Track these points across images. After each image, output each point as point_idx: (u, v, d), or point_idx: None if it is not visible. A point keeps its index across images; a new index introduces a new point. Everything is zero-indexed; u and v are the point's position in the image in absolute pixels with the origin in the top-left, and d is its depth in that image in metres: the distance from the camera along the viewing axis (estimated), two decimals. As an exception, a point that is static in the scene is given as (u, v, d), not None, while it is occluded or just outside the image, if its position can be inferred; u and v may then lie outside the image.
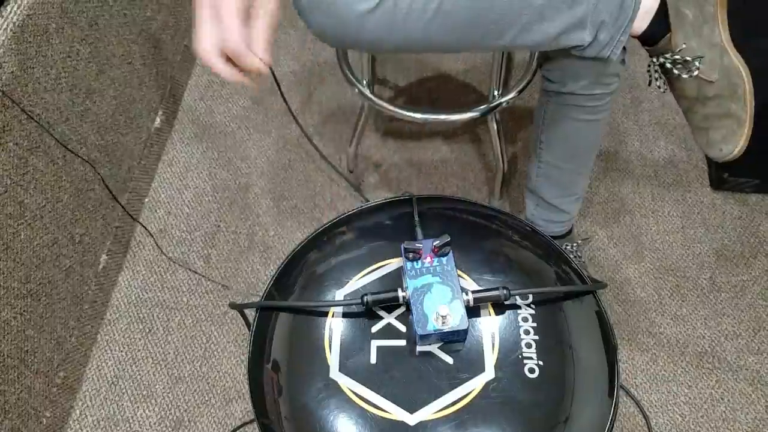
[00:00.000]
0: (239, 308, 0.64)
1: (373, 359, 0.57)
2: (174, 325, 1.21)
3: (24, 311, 0.99)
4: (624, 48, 0.82)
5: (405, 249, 0.59)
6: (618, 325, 1.18)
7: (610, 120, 1.43)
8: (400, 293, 0.58)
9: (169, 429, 1.11)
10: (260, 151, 1.42)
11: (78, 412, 1.13)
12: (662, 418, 1.09)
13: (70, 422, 1.12)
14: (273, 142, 1.43)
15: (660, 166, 1.37)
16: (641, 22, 0.79)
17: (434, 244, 0.58)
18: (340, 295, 0.61)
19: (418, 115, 1.13)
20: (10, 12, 0.91)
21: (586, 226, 1.29)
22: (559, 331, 0.58)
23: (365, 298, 0.58)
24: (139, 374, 1.16)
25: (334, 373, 0.56)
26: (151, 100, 1.36)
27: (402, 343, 0.58)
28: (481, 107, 1.11)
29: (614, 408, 0.54)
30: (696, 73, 0.79)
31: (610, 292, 1.21)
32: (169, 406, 1.14)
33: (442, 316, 0.54)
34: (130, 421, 1.12)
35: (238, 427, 1.10)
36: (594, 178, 1.35)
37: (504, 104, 1.10)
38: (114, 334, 1.21)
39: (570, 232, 1.15)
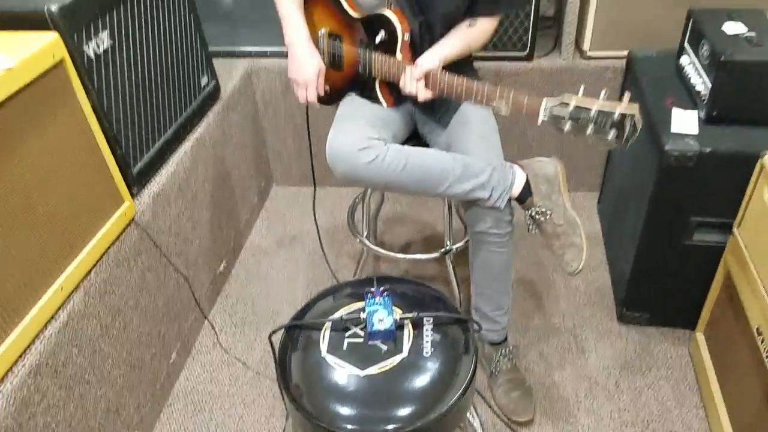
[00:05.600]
0: (272, 333, 1.14)
1: (345, 347, 1.06)
2: (216, 408, 1.65)
3: (125, 375, 1.47)
4: (510, 204, 1.40)
5: (366, 291, 1.11)
6: (546, 415, 1.57)
7: (548, 274, 1.97)
8: (361, 315, 1.08)
9: (207, 476, 1.49)
10: (290, 290, 1.97)
11: (140, 467, 1.53)
12: (576, 481, 1.44)
13: (134, 474, 1.51)
14: (302, 284, 1.99)
15: (580, 305, 1.86)
16: (516, 189, 1.38)
17: (380, 289, 1.11)
18: (331, 318, 1.12)
19: (399, 255, 1.70)
20: (153, 183, 1.56)
21: (524, 344, 1.75)
22: (444, 336, 1.07)
23: (342, 317, 1.09)
24: (187, 442, 1.58)
25: (324, 354, 1.05)
26: (219, 252, 1.96)
27: (361, 340, 1.07)
28: (441, 251, 1.67)
29: (469, 382, 1.01)
30: (548, 218, 1.36)
31: (541, 392, 1.63)
32: (207, 467, 1.53)
33: (380, 320, 1.05)
34: (177, 476, 1.51)
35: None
36: (531, 311, 1.84)
37: (454, 250, 1.66)
38: (172, 413, 1.64)
39: (506, 339, 1.62)
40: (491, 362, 1.61)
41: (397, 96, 1.48)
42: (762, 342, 1.27)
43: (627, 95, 1.14)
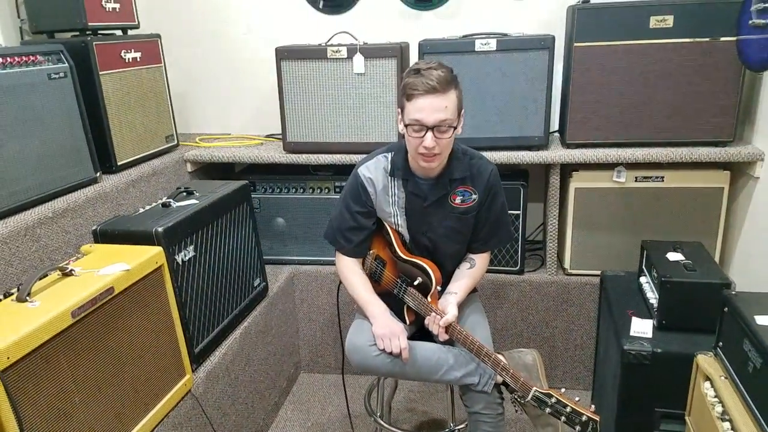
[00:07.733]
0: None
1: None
2: None
3: None
4: (499, 389, 1.69)
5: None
6: None
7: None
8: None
9: None
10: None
11: None
12: None
13: None
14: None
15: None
16: (499, 377, 1.69)
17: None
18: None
19: (406, 435, 1.95)
20: (207, 362, 1.92)
21: None
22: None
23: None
24: None
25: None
26: (249, 429, 2.23)
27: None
28: (445, 431, 1.92)
29: None
30: (528, 400, 1.64)
31: None
32: None
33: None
34: None
35: None
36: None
37: (456, 430, 1.90)
38: None
39: None
40: None
41: (416, 317, 1.83)
42: None
43: (592, 406, 1.56)
